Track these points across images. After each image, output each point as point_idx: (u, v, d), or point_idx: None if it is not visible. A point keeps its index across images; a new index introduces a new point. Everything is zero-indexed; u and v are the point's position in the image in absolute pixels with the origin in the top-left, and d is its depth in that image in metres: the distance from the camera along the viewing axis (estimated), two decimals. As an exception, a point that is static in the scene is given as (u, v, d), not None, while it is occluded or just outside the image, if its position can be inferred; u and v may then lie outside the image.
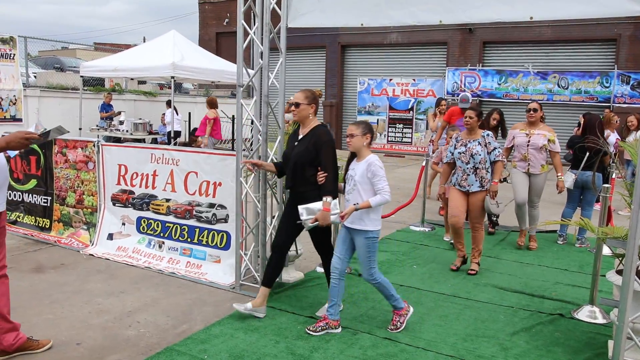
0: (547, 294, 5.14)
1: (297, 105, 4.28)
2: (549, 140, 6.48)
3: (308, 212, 4.13)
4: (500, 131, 7.45)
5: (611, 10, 3.79)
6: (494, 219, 7.64)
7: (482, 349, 3.95)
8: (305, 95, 4.30)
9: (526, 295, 5.10)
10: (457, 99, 8.16)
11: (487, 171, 5.63)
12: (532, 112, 6.60)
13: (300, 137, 4.34)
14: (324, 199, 4.10)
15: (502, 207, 5.87)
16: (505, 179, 6.74)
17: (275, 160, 4.91)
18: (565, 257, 6.51)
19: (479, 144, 5.64)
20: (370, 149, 4.11)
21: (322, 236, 4.48)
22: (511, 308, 4.78)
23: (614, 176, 6.94)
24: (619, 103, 15.71)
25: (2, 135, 3.45)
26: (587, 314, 4.63)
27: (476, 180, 5.62)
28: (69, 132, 3.73)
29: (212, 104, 11.88)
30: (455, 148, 5.78)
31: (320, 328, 4.12)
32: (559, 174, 6.43)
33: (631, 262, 3.34)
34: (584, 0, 3.87)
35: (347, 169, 4.18)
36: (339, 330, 4.17)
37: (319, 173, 4.17)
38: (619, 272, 3.79)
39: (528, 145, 6.56)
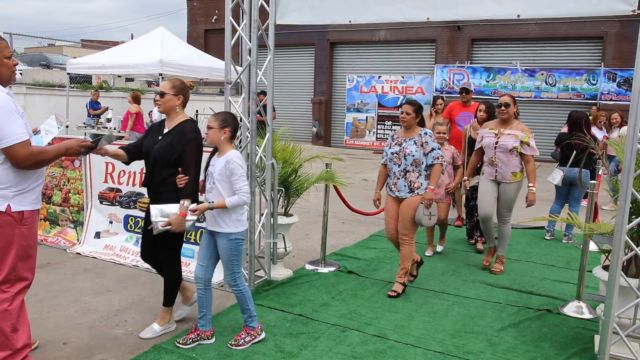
0: (534, 290, 5.17)
1: (162, 94, 3.84)
2: (521, 142, 5.37)
3: (162, 214, 3.69)
4: None
5: (598, 8, 3.81)
6: (476, 237, 6.66)
7: (470, 345, 3.97)
8: (172, 85, 3.87)
9: (514, 291, 5.13)
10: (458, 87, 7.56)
11: (421, 174, 4.88)
12: (503, 108, 5.47)
13: (165, 130, 3.90)
14: (182, 202, 3.71)
15: (435, 219, 4.97)
16: (474, 187, 6.01)
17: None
18: (552, 253, 6.56)
19: (415, 143, 4.89)
20: (231, 143, 3.77)
21: (170, 244, 3.93)
22: (499, 304, 4.80)
23: (600, 172, 6.99)
24: (606, 100, 15.85)
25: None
26: (574, 309, 4.67)
27: (405, 186, 4.89)
28: (118, 138, 3.72)
29: (135, 99, 11.94)
30: (390, 147, 5.04)
31: (190, 340, 3.83)
32: (530, 184, 5.34)
33: (617, 257, 3.37)
34: (571, -1, 3.89)
35: (207, 165, 3.82)
36: (213, 340, 3.89)
37: (179, 175, 3.75)
38: (605, 268, 3.82)
39: (496, 147, 5.50)
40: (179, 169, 3.77)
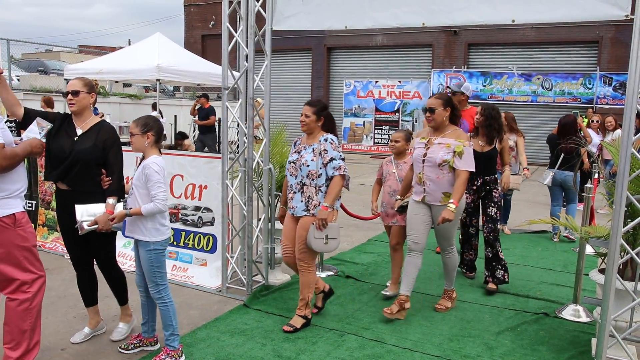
0: (531, 294, 5.19)
1: (75, 93, 3.69)
2: (454, 152, 4.30)
3: (87, 213, 3.59)
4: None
5: (592, 14, 3.85)
6: (500, 271, 5.29)
7: (468, 349, 3.98)
8: (84, 83, 3.74)
9: (511, 295, 5.14)
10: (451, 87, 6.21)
11: (320, 190, 4.10)
12: (428, 114, 4.43)
13: (79, 131, 3.76)
14: (108, 200, 3.65)
15: (334, 243, 4.11)
16: (403, 208, 4.72)
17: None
18: (549, 256, 6.57)
19: (313, 151, 4.13)
20: (157, 148, 3.65)
21: (99, 244, 3.87)
22: (496, 308, 4.81)
23: (596, 176, 7.05)
24: (602, 104, 15.93)
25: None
26: (571, 312, 4.68)
27: (301, 202, 4.15)
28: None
29: (48, 104, 12.04)
30: (290, 155, 4.37)
31: (132, 345, 3.82)
32: (452, 201, 4.23)
33: (613, 261, 3.39)
34: (566, 4, 3.92)
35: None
36: (156, 347, 3.84)
37: (103, 176, 3.71)
38: (602, 271, 3.84)
39: (424, 160, 4.42)
40: (102, 170, 3.72)
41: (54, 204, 6.49)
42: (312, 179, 4.10)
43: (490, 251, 5.34)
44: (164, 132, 3.83)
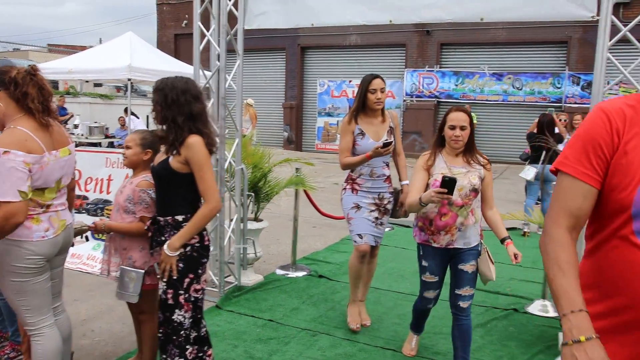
0: (501, 290, 5.26)
1: None
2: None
3: None
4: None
5: (559, 13, 3.91)
6: None
7: (439, 346, 4.02)
8: None
9: (481, 292, 5.19)
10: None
11: None
12: None
13: None
14: None
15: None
16: None
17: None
18: (519, 253, 6.67)
19: None
20: None
21: None
22: (467, 305, 4.86)
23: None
24: (570, 103, 16.23)
25: None
26: (540, 308, 4.76)
27: None
28: None
29: None
30: None
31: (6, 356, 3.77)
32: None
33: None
34: (533, 3, 3.97)
35: None
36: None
37: None
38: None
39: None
40: None
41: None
42: None
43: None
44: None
